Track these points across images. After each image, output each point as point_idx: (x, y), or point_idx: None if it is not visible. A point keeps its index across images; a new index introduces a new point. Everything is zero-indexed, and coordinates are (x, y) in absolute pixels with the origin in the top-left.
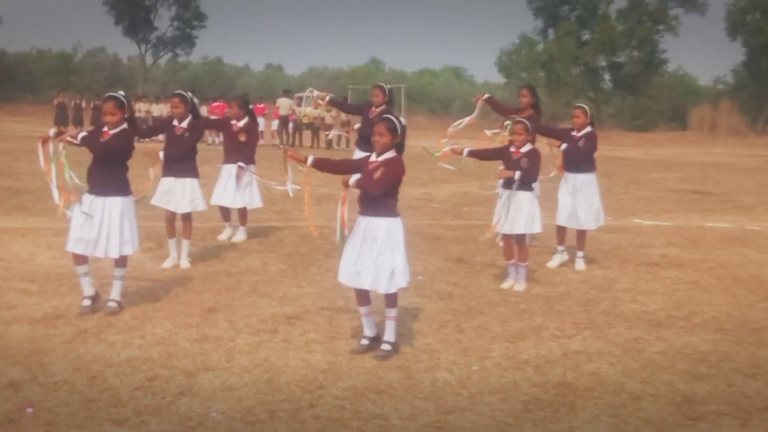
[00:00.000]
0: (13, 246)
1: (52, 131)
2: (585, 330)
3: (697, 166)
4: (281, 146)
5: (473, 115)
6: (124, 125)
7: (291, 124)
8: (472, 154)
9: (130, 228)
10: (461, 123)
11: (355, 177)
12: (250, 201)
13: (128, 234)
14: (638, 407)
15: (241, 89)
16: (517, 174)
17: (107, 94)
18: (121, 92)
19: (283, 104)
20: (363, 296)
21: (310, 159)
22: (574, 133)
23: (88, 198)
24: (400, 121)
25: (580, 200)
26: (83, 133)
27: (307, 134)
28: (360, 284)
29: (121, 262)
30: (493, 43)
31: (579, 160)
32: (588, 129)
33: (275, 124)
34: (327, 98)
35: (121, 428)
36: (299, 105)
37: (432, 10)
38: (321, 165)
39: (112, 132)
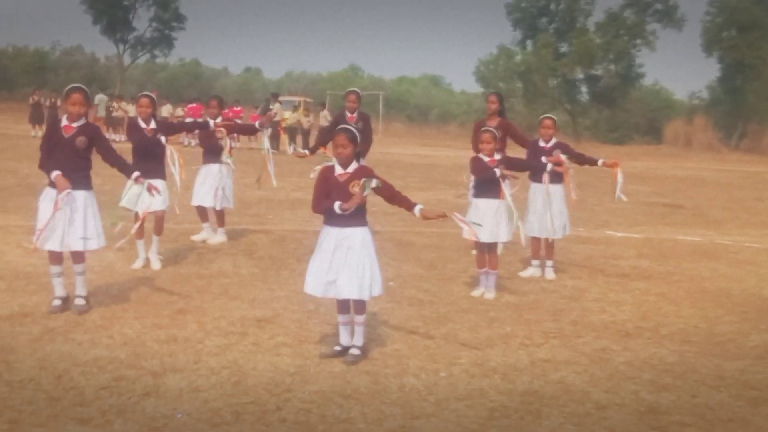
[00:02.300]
0: None
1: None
2: (553, 339)
3: (671, 180)
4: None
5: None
6: (84, 120)
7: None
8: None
9: (95, 223)
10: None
11: (337, 204)
12: (228, 202)
13: (92, 229)
14: (603, 416)
15: (219, 91)
16: (498, 172)
17: (73, 85)
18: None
19: (279, 110)
20: (344, 305)
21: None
22: (542, 144)
23: (52, 193)
24: (357, 130)
25: (551, 210)
26: None
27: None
28: (336, 294)
29: (80, 257)
30: (471, 52)
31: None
32: (555, 140)
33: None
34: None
35: (86, 428)
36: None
37: (412, 18)
38: None
39: (76, 125)
